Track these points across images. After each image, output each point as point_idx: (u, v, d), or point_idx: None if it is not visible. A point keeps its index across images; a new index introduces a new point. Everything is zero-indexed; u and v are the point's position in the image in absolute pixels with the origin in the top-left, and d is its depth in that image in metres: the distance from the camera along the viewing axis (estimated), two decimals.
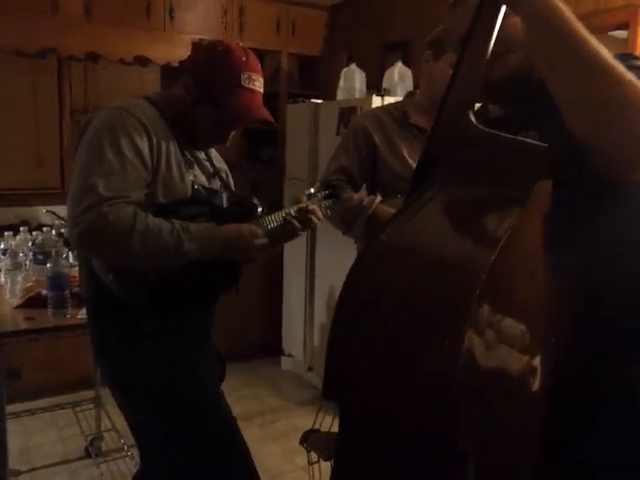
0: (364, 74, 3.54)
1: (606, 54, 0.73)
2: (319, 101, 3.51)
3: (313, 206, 1.58)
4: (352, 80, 3.51)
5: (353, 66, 3.54)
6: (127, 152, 1.33)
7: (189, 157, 1.51)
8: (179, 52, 3.81)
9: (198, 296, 1.52)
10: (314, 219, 1.57)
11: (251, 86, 1.46)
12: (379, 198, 1.84)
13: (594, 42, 0.74)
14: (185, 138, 1.50)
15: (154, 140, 1.39)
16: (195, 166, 1.53)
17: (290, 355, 3.83)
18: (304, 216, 1.56)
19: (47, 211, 3.67)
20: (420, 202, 0.87)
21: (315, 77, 4.32)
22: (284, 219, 1.54)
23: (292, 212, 1.56)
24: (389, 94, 3.21)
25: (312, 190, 1.63)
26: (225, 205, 1.61)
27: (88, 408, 2.95)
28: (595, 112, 0.74)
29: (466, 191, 0.84)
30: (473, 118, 0.83)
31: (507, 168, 0.80)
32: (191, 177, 1.48)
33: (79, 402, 3.00)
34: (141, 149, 1.35)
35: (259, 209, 1.59)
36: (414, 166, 1.83)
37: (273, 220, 1.54)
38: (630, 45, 2.64)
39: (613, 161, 0.75)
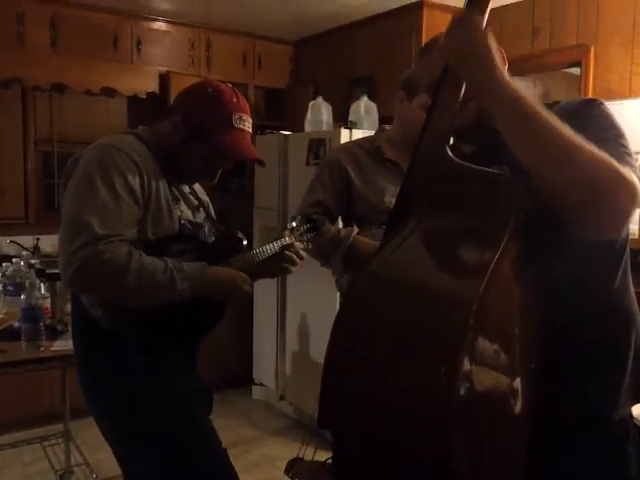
0: (330, 107, 3.64)
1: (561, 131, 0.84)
2: (288, 133, 3.59)
3: (296, 242, 1.61)
4: (319, 113, 3.61)
5: (320, 99, 3.64)
6: (120, 190, 1.33)
7: (176, 193, 1.54)
8: (146, 84, 3.86)
9: (186, 331, 1.53)
10: (294, 257, 1.60)
11: (242, 126, 1.50)
12: (356, 230, 1.88)
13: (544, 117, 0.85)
14: (173, 174, 1.52)
15: (145, 178, 1.40)
16: (181, 201, 1.55)
17: (261, 384, 3.82)
18: (288, 252, 1.59)
19: (10, 241, 3.61)
20: (403, 234, 0.92)
21: (282, 109, 4.41)
22: (272, 254, 1.57)
23: (276, 248, 1.58)
24: (356, 127, 3.32)
25: (294, 224, 1.67)
26: (208, 236, 1.64)
27: (57, 442, 2.86)
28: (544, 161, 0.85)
29: (444, 221, 0.91)
30: (450, 152, 0.92)
31: (474, 197, 0.89)
32: (178, 212, 1.51)
33: (47, 436, 2.90)
34: (133, 187, 1.36)
35: (244, 243, 1.62)
36: (388, 198, 1.91)
37: (259, 254, 1.56)
38: (583, 81, 2.82)
39: (563, 197, 0.83)
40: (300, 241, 1.64)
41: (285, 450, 3.19)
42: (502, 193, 0.86)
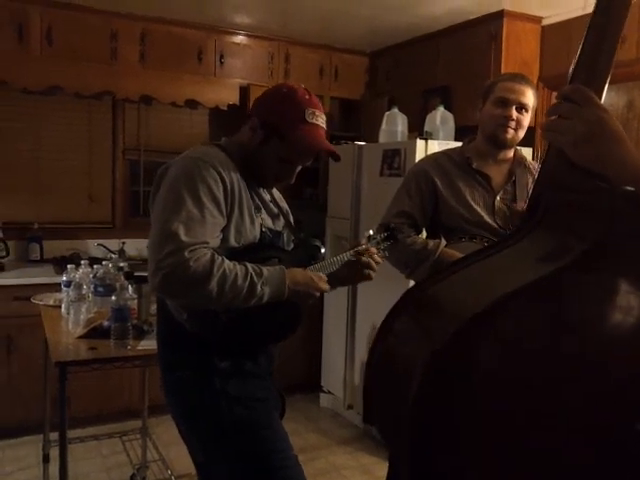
0: (405, 118, 3.65)
1: None
2: (362, 143, 3.62)
3: (372, 248, 1.64)
4: (394, 123, 3.63)
5: (395, 110, 3.65)
6: (205, 200, 1.40)
7: (257, 201, 1.59)
8: (227, 96, 4.00)
9: (267, 335, 1.58)
10: (372, 262, 1.62)
11: (314, 121, 1.54)
12: (444, 242, 1.88)
13: None
14: (254, 179, 1.58)
15: (229, 187, 1.46)
16: (262, 209, 1.61)
17: (329, 392, 3.85)
18: (365, 258, 1.62)
19: (98, 244, 3.83)
20: (486, 253, 0.88)
21: (357, 120, 4.46)
22: (348, 260, 1.61)
23: (351, 254, 1.62)
24: (431, 137, 3.31)
25: (371, 232, 1.70)
26: (287, 244, 1.69)
27: (135, 438, 3.00)
28: None
29: (543, 241, 0.83)
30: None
31: (586, 214, 0.79)
32: (260, 221, 1.57)
33: (125, 432, 3.05)
34: (218, 197, 1.43)
35: (322, 251, 1.66)
36: (477, 209, 1.91)
37: (336, 262, 1.60)
38: None
39: None
40: (377, 249, 1.66)
41: (351, 459, 3.21)
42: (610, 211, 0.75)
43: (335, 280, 1.63)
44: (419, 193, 1.99)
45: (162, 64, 3.79)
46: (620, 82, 3.48)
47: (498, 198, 1.94)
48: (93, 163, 4.00)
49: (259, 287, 1.41)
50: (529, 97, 1.91)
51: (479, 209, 1.91)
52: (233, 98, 4.00)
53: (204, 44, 3.90)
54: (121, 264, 2.79)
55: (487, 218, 1.90)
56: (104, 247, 3.79)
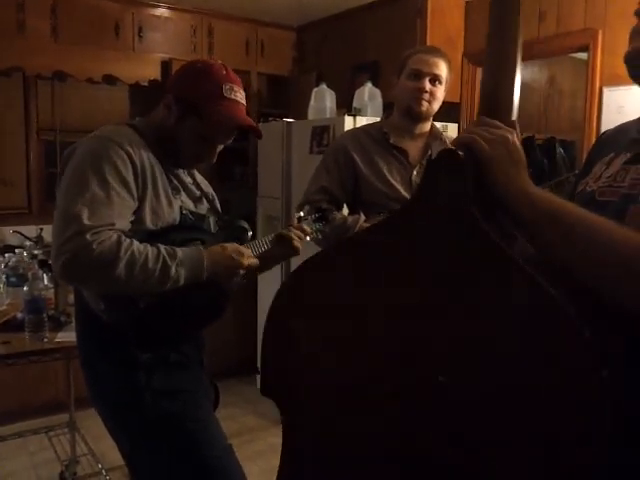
0: (334, 94, 3.61)
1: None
2: (291, 120, 3.56)
3: (302, 225, 1.60)
4: (323, 99, 3.58)
5: (323, 86, 3.60)
6: (111, 180, 1.32)
7: (175, 182, 1.51)
8: (148, 71, 3.82)
9: (189, 322, 1.51)
10: (300, 233, 1.59)
11: (233, 96, 1.48)
12: (363, 217, 1.88)
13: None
14: (171, 160, 1.50)
15: (139, 167, 1.38)
16: (182, 191, 1.53)
17: None
18: (288, 233, 1.58)
19: (14, 231, 3.60)
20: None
21: (285, 96, 4.37)
22: (275, 240, 1.56)
23: (273, 236, 1.57)
24: (360, 113, 3.28)
25: (301, 213, 1.66)
26: (213, 227, 1.62)
27: (62, 433, 2.87)
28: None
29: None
30: None
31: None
32: (179, 203, 1.49)
33: (52, 426, 2.92)
34: (126, 177, 1.35)
35: (249, 233, 1.60)
36: (395, 185, 1.92)
37: (264, 243, 1.55)
38: (590, 66, 2.77)
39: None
40: (310, 231, 1.63)
41: None
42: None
43: (270, 259, 1.58)
44: (337, 168, 1.98)
45: (76, 38, 3.56)
46: (542, 58, 3.56)
47: (415, 173, 1.95)
48: (5, 145, 3.74)
49: (173, 269, 1.32)
50: (442, 69, 1.92)
51: (397, 184, 1.93)
52: (154, 73, 3.82)
53: (121, 17, 3.70)
54: (36, 251, 2.63)
55: (404, 193, 1.92)
56: (20, 234, 3.56)
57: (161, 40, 3.87)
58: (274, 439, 3.19)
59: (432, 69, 1.90)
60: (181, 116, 1.47)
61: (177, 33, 3.92)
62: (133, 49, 3.77)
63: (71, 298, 2.07)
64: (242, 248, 1.47)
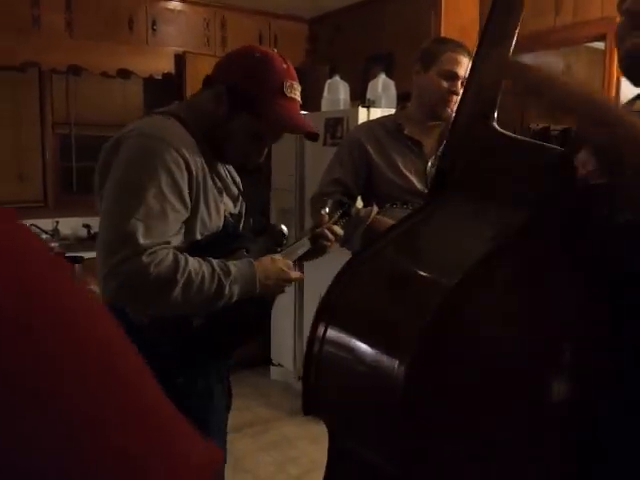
0: (348, 85, 3.59)
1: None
2: (304, 112, 3.54)
3: (333, 225, 1.56)
4: (336, 91, 3.57)
5: (337, 78, 3.59)
6: (168, 192, 1.20)
7: (220, 184, 1.39)
8: (162, 65, 3.84)
9: (237, 339, 1.43)
10: (329, 234, 1.54)
11: (293, 95, 1.33)
12: (376, 209, 1.87)
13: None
14: (214, 154, 1.37)
15: (194, 176, 1.27)
16: (224, 193, 1.42)
17: (279, 365, 3.84)
18: (326, 235, 1.53)
19: (30, 225, 3.65)
20: (415, 219, 0.86)
21: None
22: (311, 242, 1.51)
23: (309, 236, 1.53)
24: (374, 105, 3.27)
25: (327, 209, 1.65)
26: (251, 227, 1.55)
27: None
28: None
29: (465, 206, 0.82)
30: (496, 125, 0.80)
31: (519, 177, 0.77)
32: (223, 206, 1.39)
33: None
34: (181, 186, 1.23)
35: (286, 236, 1.58)
36: (409, 177, 1.90)
37: (301, 245, 1.51)
38: (607, 56, 2.74)
39: None
40: (339, 234, 1.58)
41: (303, 430, 3.21)
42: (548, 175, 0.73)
43: (301, 261, 1.55)
44: (351, 161, 1.97)
45: (91, 33, 3.58)
46: (558, 47, 3.51)
47: (429, 164, 1.94)
48: (21, 140, 3.78)
49: (227, 287, 1.24)
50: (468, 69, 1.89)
51: (411, 176, 1.91)
52: (168, 67, 3.84)
53: (135, 11, 3.71)
54: (53, 244, 2.66)
55: (419, 185, 1.90)
56: (37, 227, 3.60)
57: (174, 33, 3.88)
58: (287, 430, 3.21)
59: (465, 72, 1.85)
60: (233, 110, 1.32)
61: (190, 26, 3.92)
62: (147, 43, 3.79)
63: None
64: (288, 262, 1.40)
